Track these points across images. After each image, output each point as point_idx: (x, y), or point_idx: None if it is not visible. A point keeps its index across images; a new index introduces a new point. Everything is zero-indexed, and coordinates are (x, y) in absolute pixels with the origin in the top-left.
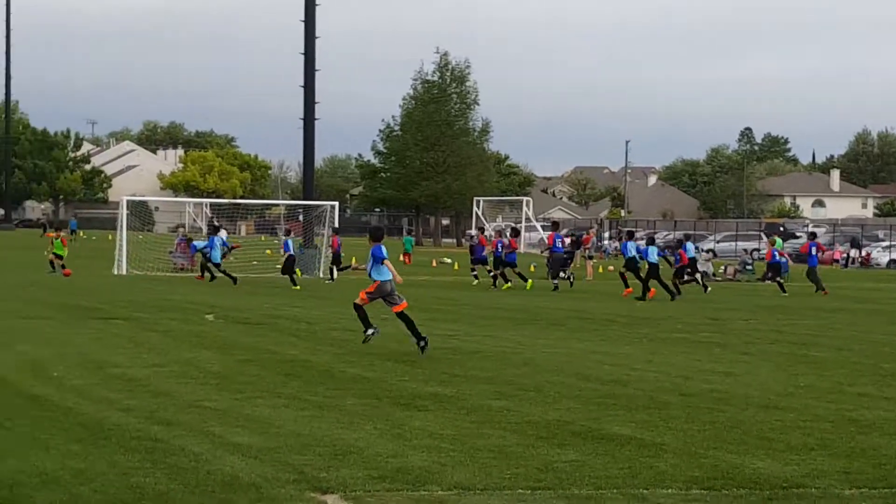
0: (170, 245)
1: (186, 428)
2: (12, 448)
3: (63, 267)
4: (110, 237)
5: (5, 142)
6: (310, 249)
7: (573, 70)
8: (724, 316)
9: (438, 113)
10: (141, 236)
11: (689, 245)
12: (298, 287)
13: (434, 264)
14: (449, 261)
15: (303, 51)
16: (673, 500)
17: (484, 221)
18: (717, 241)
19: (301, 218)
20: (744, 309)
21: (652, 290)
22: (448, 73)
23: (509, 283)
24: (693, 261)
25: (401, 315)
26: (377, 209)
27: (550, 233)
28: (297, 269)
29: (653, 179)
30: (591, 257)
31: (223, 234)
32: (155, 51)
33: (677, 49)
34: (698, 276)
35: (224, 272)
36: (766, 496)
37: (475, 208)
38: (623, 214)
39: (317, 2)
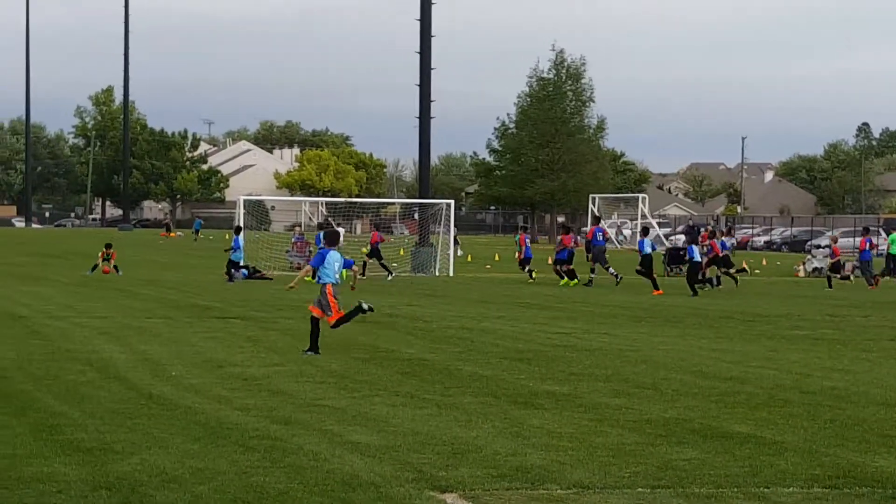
0: (286, 244)
1: (305, 427)
2: (132, 447)
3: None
4: (227, 236)
5: (123, 142)
6: (425, 248)
7: (688, 66)
8: (843, 313)
9: (553, 110)
10: (257, 235)
11: (726, 240)
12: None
13: (550, 262)
14: None
15: (418, 49)
16: (794, 499)
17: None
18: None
19: (416, 216)
20: (863, 305)
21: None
22: (563, 71)
23: (564, 280)
24: (726, 257)
25: (316, 322)
26: (492, 207)
27: (591, 226)
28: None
29: (769, 175)
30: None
31: (341, 231)
32: (270, 50)
33: (793, 43)
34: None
35: (246, 268)
36: (889, 495)
37: (591, 206)
38: (739, 211)
39: (432, 0)
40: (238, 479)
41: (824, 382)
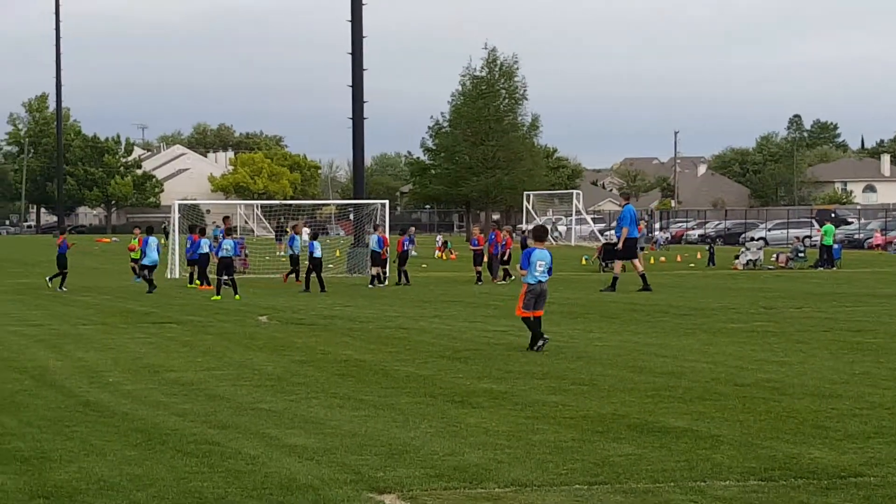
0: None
1: (242, 431)
2: (70, 455)
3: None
4: (162, 241)
5: (57, 149)
6: (360, 248)
7: (621, 61)
8: (778, 304)
9: (487, 108)
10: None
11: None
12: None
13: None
14: None
15: (350, 51)
16: (730, 492)
17: (535, 215)
18: (769, 230)
19: (351, 217)
20: (797, 297)
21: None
22: (496, 69)
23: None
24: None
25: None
26: (427, 206)
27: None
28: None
29: (703, 169)
30: (641, 248)
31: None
32: (203, 54)
33: (725, 37)
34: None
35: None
36: (824, 486)
37: (525, 203)
38: (673, 205)
39: (363, 1)
40: (176, 484)
41: (759, 375)
